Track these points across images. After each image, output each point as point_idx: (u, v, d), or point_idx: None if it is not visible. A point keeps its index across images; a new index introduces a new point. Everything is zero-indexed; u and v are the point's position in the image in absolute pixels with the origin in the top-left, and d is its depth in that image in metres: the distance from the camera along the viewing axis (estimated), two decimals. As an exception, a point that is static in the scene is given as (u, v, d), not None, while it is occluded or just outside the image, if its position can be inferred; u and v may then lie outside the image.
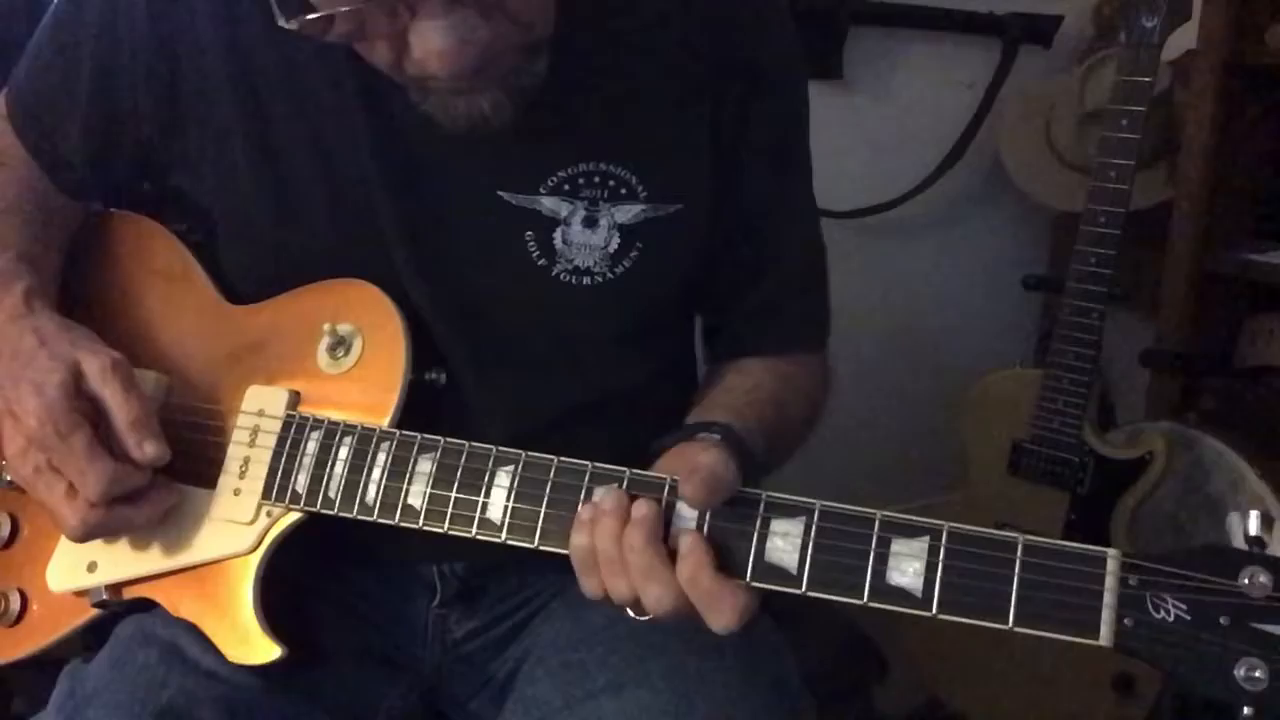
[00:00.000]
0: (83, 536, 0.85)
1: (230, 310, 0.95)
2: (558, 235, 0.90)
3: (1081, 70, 2.00)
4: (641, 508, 0.73)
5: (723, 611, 0.71)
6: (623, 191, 0.90)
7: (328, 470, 0.84)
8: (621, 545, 0.73)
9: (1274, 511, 0.66)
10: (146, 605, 0.90)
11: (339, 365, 0.88)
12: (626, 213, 0.90)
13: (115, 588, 0.90)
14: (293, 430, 0.87)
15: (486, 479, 0.80)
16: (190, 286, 0.97)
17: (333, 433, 0.85)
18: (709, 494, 0.72)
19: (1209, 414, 1.85)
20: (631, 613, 0.76)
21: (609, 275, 0.91)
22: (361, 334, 0.88)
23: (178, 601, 0.88)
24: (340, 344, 0.88)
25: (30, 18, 1.37)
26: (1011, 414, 1.72)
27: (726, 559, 0.73)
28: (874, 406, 2.13)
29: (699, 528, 0.74)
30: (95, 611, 0.91)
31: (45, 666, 0.94)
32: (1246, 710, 0.62)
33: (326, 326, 0.88)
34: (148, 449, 0.84)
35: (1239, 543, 0.66)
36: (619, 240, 0.90)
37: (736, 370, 0.98)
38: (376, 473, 0.83)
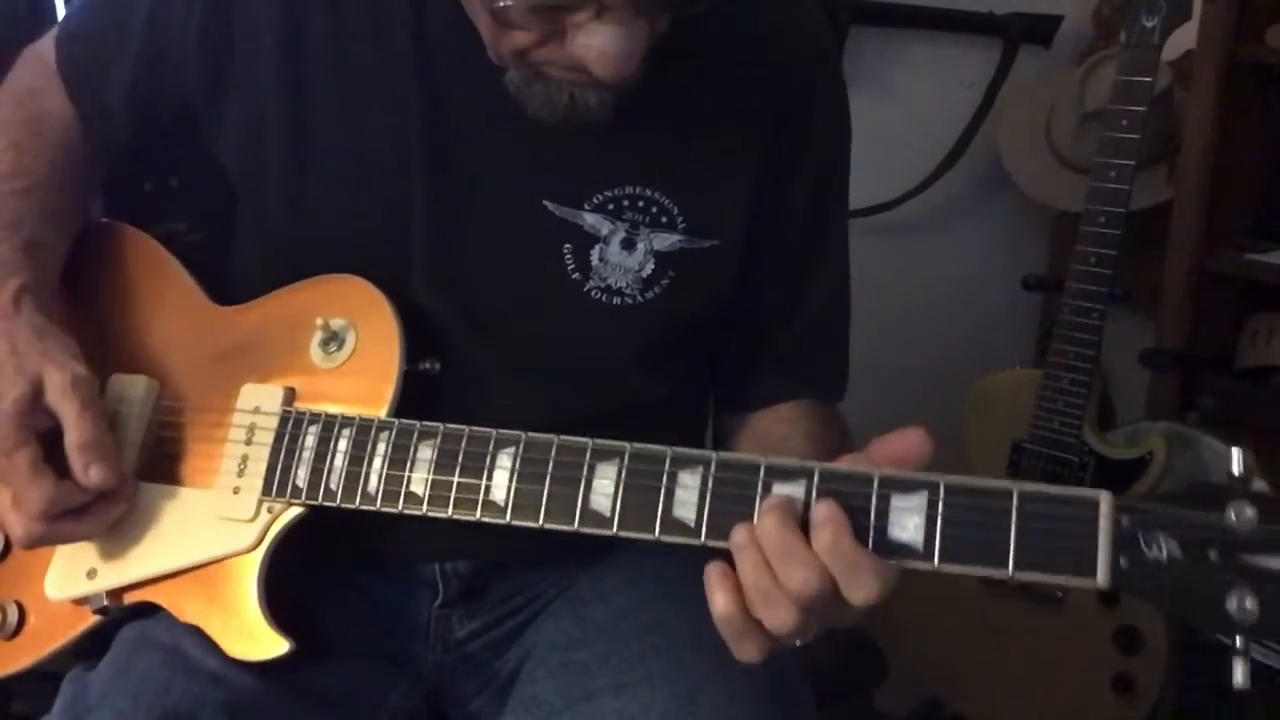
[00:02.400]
0: (28, 546, 0.86)
1: (219, 311, 0.95)
2: (595, 252, 0.90)
3: (1081, 70, 2.00)
4: (771, 500, 0.71)
5: (865, 581, 0.68)
6: (663, 219, 0.90)
7: (328, 463, 0.84)
8: (763, 549, 0.70)
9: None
10: (148, 610, 0.90)
11: (333, 360, 0.88)
12: (664, 240, 0.91)
13: (116, 593, 0.89)
14: (290, 425, 0.86)
15: (488, 462, 0.80)
16: (177, 290, 0.97)
17: (331, 425, 0.85)
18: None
19: (1209, 414, 1.85)
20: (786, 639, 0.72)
21: (639, 299, 0.91)
22: (354, 327, 0.88)
23: (181, 604, 0.88)
24: (333, 338, 0.88)
25: (32, 14, 1.38)
26: (1011, 414, 1.72)
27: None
28: (873, 406, 2.12)
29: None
30: (95, 619, 0.90)
31: (46, 676, 0.94)
32: (1238, 640, 0.64)
33: (319, 321, 0.88)
34: (93, 473, 0.84)
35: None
36: (653, 266, 0.91)
37: (778, 419, 0.99)
38: (377, 462, 0.83)
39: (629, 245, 0.90)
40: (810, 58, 0.96)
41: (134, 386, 0.92)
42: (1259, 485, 0.65)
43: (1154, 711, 1.62)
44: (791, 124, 0.93)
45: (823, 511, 0.69)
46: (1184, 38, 1.73)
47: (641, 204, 0.90)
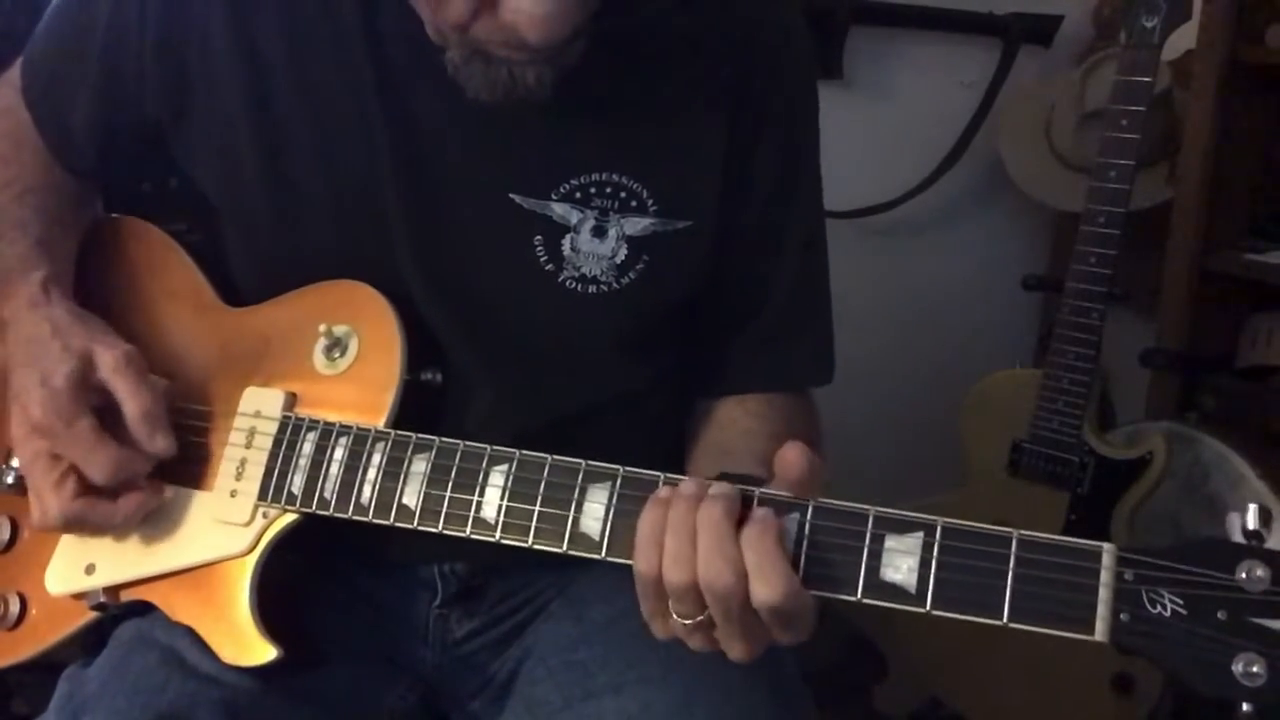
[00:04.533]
0: (60, 526, 0.86)
1: (227, 312, 0.96)
2: (566, 242, 0.90)
3: (1081, 70, 2.00)
4: (721, 487, 0.72)
5: (770, 580, 0.68)
6: (633, 204, 0.90)
7: (323, 471, 0.84)
8: (695, 520, 0.70)
9: (1274, 510, 0.65)
10: (145, 608, 0.90)
11: (335, 366, 0.88)
12: (635, 225, 0.90)
13: (113, 590, 0.90)
14: (289, 431, 0.87)
15: (481, 478, 0.80)
16: (188, 289, 0.98)
17: (328, 433, 0.85)
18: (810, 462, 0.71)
19: (1209, 414, 1.85)
20: (683, 635, 0.73)
21: (614, 285, 0.91)
22: (357, 335, 0.88)
23: (175, 604, 0.88)
24: (336, 345, 0.88)
25: (30, 8, 1.37)
26: (1011, 414, 1.72)
27: None
28: (874, 406, 2.12)
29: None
30: (94, 614, 0.90)
31: (46, 668, 0.94)
32: (1245, 706, 0.62)
33: (322, 328, 0.88)
34: (159, 441, 0.86)
35: (1237, 538, 0.65)
36: (626, 252, 0.90)
37: (746, 412, 0.97)
38: (371, 473, 0.83)
39: (600, 233, 0.90)
40: (772, 31, 0.95)
41: None
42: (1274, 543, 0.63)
43: (1154, 711, 1.61)
44: (755, 99, 0.92)
45: (760, 512, 0.70)
46: (1184, 38, 1.73)
47: (609, 190, 0.90)
